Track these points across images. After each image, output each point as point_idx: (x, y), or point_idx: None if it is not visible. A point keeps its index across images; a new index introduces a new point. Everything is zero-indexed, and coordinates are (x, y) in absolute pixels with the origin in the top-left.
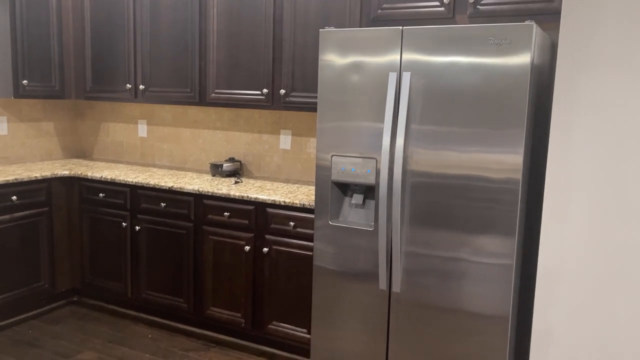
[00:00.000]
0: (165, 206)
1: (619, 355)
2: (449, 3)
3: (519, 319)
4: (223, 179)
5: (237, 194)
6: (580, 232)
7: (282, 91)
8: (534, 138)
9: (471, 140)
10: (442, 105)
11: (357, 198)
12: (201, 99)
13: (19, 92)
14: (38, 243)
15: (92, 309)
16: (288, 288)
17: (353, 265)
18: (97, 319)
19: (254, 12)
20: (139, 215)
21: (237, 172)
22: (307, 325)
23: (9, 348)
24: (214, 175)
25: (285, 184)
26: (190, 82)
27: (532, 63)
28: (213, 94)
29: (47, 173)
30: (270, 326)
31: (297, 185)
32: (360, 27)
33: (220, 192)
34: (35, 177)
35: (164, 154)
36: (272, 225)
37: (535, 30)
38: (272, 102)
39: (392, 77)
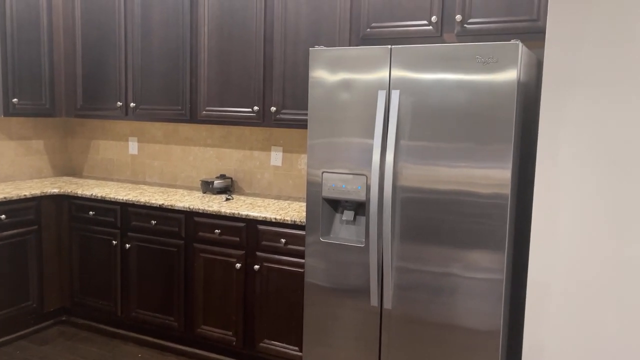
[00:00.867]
0: (155, 224)
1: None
2: (436, 22)
3: (510, 333)
4: (214, 196)
5: (228, 211)
6: (570, 246)
7: (273, 108)
8: (522, 153)
9: (460, 156)
10: (431, 122)
11: (348, 214)
12: (192, 117)
13: (9, 111)
14: (27, 262)
15: (81, 328)
16: (279, 305)
17: (344, 282)
18: (86, 338)
19: (245, 30)
20: (129, 233)
21: (228, 189)
22: (299, 343)
23: None
24: (204, 192)
25: (276, 201)
26: (181, 100)
27: (518, 80)
28: (204, 112)
29: (36, 191)
30: (261, 344)
31: (288, 201)
32: (349, 45)
33: (211, 209)
34: (25, 195)
35: (155, 171)
36: (263, 242)
37: (521, 48)
38: (263, 120)
39: (382, 95)
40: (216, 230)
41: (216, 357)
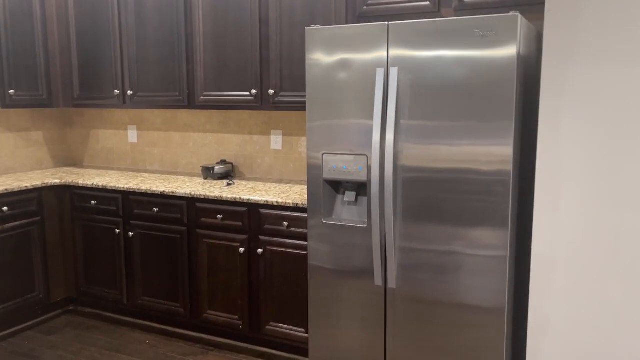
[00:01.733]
0: (158, 211)
1: (616, 341)
2: None
3: (515, 309)
4: (215, 181)
5: (230, 196)
6: (573, 220)
7: (271, 91)
8: (524, 129)
9: (461, 134)
10: (431, 100)
11: (350, 195)
12: (190, 102)
13: (6, 102)
14: (31, 253)
15: (88, 317)
16: (284, 288)
17: (348, 263)
18: (93, 327)
19: (240, 12)
20: (132, 222)
21: (229, 174)
22: (305, 325)
23: None
24: (205, 179)
25: (277, 184)
26: (178, 86)
27: (518, 54)
28: (202, 97)
29: (37, 182)
30: (267, 327)
31: (289, 185)
32: (346, 24)
33: (212, 194)
34: (26, 187)
35: (155, 158)
36: (266, 226)
37: (520, 20)
38: (261, 103)
39: (380, 73)
40: (218, 216)
41: (223, 341)
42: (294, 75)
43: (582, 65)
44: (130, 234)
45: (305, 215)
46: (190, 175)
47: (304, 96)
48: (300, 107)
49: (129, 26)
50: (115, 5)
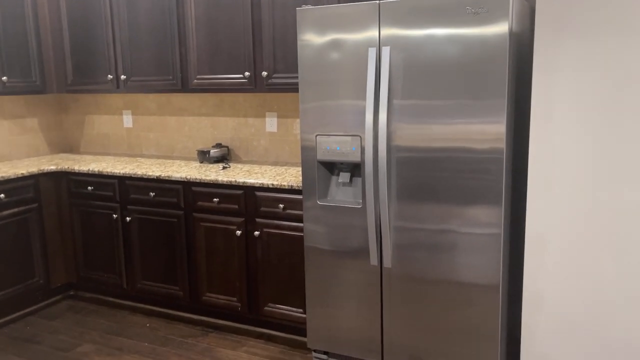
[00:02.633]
0: (154, 195)
1: (609, 314)
2: None
3: (509, 286)
4: (211, 165)
5: (226, 179)
6: (566, 198)
7: (264, 73)
8: (518, 106)
9: (454, 112)
10: (423, 79)
11: (344, 176)
12: (184, 86)
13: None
14: (29, 240)
15: (89, 302)
16: (281, 269)
17: (344, 243)
18: (94, 311)
19: None
20: (129, 206)
21: (224, 157)
22: (303, 305)
23: (7, 345)
24: (201, 162)
25: (273, 167)
26: (171, 69)
27: (510, 30)
28: (195, 80)
29: (33, 169)
30: (266, 308)
31: (285, 167)
32: (338, 3)
33: (208, 178)
34: (22, 173)
35: (151, 143)
36: (262, 209)
37: None
38: (255, 85)
39: (372, 53)
40: (215, 199)
41: (223, 322)
42: (287, 56)
43: (575, 39)
44: (128, 218)
45: (300, 197)
46: (186, 159)
47: (298, 77)
48: (294, 88)
49: (121, 10)
50: None
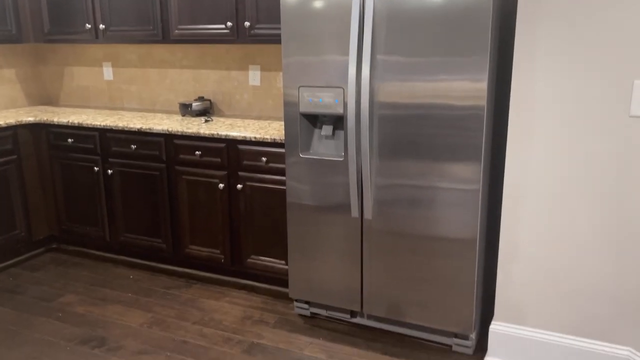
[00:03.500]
0: (136, 148)
1: (581, 262)
2: None
3: (486, 240)
4: (193, 118)
5: (208, 132)
6: (544, 152)
7: (247, 23)
8: (501, 63)
9: (436, 69)
10: (407, 32)
11: (327, 129)
12: (165, 37)
13: None
14: (9, 192)
15: (72, 254)
16: (264, 222)
17: (326, 197)
18: (77, 264)
19: None
20: (110, 159)
21: (207, 111)
22: (285, 257)
23: None
24: (183, 115)
25: (256, 121)
26: (152, 19)
27: None
28: (176, 31)
29: (11, 120)
30: (249, 260)
31: (268, 121)
32: None
33: (189, 131)
34: (0, 125)
35: (133, 96)
36: (245, 162)
37: None
38: (237, 36)
39: (356, 3)
40: (197, 152)
41: (206, 275)
42: (270, 7)
43: None
44: (109, 171)
45: (283, 150)
46: (169, 112)
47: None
48: (278, 40)
49: None
50: None
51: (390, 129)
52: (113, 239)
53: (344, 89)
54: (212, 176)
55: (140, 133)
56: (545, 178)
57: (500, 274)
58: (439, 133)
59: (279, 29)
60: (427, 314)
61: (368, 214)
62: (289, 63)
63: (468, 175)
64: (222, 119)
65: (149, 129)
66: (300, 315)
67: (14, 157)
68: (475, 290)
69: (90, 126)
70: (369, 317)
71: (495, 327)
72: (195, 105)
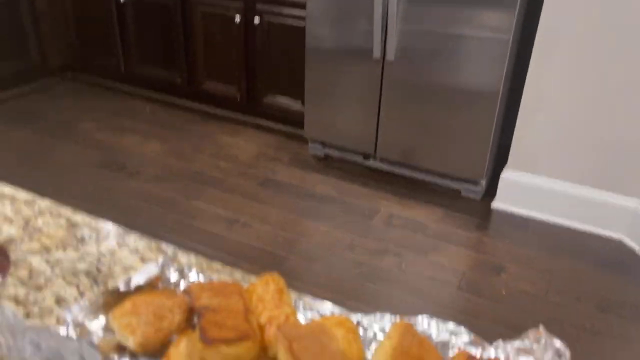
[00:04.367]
0: None
1: (599, 121)
2: None
3: (507, 93)
4: None
5: None
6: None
7: None
8: None
9: None
10: None
11: None
12: None
13: None
14: (19, 16)
15: (88, 84)
16: (281, 61)
17: (348, 37)
18: (94, 94)
19: None
20: None
21: None
22: (301, 98)
23: (14, 119)
24: None
25: None
26: None
27: None
28: None
29: None
30: (264, 99)
31: None
32: None
33: None
34: None
35: None
36: None
37: None
38: None
39: None
40: None
41: (221, 112)
42: None
43: None
44: (122, 0)
45: None
46: None
47: None
48: None
49: None
50: None
51: None
52: (128, 70)
53: None
54: (228, 8)
55: None
56: (579, 28)
57: (519, 123)
58: None
59: None
60: (440, 159)
61: (390, 54)
62: None
63: (500, 24)
64: None
65: None
66: (314, 156)
67: None
68: (491, 139)
69: None
70: (382, 160)
71: (507, 174)
72: None
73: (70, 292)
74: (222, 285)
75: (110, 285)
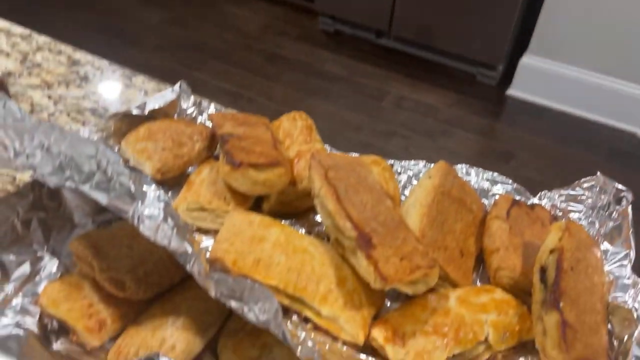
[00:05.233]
0: None
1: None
2: None
3: None
4: None
5: None
6: None
7: None
8: None
9: None
10: None
11: None
12: None
13: None
14: None
15: None
16: None
17: None
18: None
19: None
20: None
21: None
22: None
23: None
24: None
25: None
26: None
27: None
28: None
29: None
30: None
31: None
32: None
33: None
34: None
35: None
36: None
37: None
38: None
39: None
40: None
41: None
42: None
43: None
44: None
45: None
46: None
47: None
48: None
49: None
50: None
51: None
52: None
53: None
54: None
55: None
56: None
57: (546, 5)
58: None
59: None
60: (458, 40)
61: None
62: None
63: None
64: None
65: None
66: (324, 32)
67: None
68: (514, 21)
69: None
70: (396, 39)
71: (526, 59)
72: None
73: (75, 129)
74: (246, 116)
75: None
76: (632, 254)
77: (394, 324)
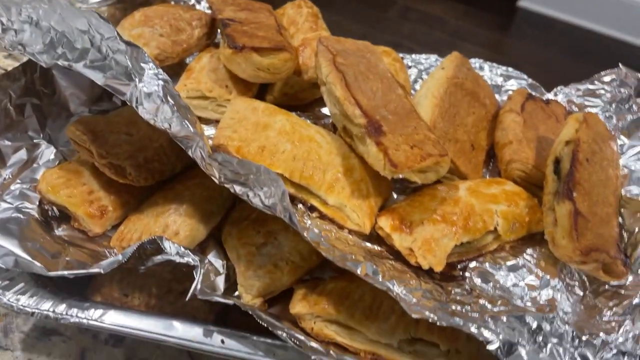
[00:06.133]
0: None
1: None
2: None
3: None
4: None
5: None
6: None
7: None
8: None
9: None
10: None
11: None
12: None
13: None
14: None
15: None
16: None
17: None
18: None
19: None
20: None
21: None
22: None
23: None
24: None
25: None
26: None
27: None
28: None
29: None
30: None
31: None
32: None
33: None
34: None
35: None
36: None
37: None
38: None
39: None
40: None
41: None
42: None
43: None
44: None
45: None
46: None
47: None
48: None
49: None
50: None
51: None
52: None
53: None
54: None
55: None
56: None
57: None
58: None
59: None
60: None
61: None
62: None
63: None
64: None
65: None
66: None
67: None
68: None
69: None
70: None
71: None
72: None
73: None
74: (248, 2)
75: None
76: None
77: (401, 213)
